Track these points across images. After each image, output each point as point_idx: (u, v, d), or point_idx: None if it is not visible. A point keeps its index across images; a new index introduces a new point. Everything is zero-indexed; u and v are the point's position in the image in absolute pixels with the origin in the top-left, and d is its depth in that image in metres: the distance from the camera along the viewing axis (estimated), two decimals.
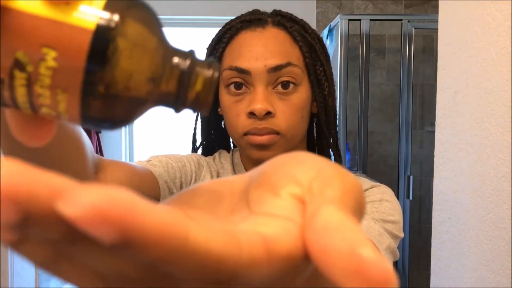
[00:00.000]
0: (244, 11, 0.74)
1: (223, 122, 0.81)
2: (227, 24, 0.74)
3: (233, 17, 0.74)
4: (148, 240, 0.13)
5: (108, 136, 3.11)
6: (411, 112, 2.30)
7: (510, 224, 0.99)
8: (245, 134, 0.68)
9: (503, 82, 1.02)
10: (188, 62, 0.23)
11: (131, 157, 3.22)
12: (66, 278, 0.16)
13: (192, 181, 0.74)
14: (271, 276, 0.16)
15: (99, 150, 2.94)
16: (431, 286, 1.32)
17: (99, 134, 2.97)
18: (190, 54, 0.24)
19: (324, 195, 0.18)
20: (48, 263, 0.15)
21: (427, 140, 2.75)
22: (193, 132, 0.84)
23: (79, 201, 0.13)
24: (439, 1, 1.28)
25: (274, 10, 0.74)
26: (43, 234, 0.14)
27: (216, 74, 0.24)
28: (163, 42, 0.23)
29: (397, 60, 2.46)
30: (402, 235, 0.70)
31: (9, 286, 1.68)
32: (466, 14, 1.15)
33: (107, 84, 0.21)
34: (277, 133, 0.67)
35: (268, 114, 0.67)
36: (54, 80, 0.21)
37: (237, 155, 0.79)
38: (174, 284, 0.16)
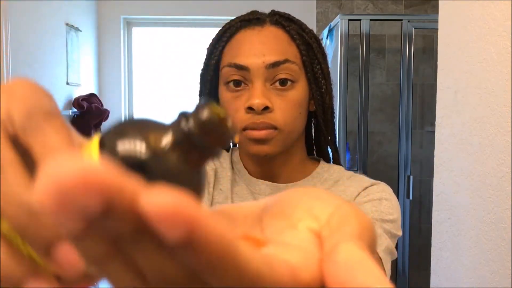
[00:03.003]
0: (244, 11, 0.77)
1: None
2: (226, 24, 0.76)
3: (233, 17, 0.76)
4: (208, 244, 0.14)
5: None
6: (411, 112, 2.30)
7: (510, 224, 0.99)
8: (244, 129, 0.69)
9: (503, 82, 1.02)
10: (188, 126, 0.21)
11: None
12: (110, 277, 0.17)
13: None
14: None
15: None
16: (431, 286, 1.32)
17: None
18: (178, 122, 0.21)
19: (342, 231, 0.19)
20: (100, 259, 0.16)
21: (427, 140, 2.75)
22: None
23: (160, 199, 0.14)
24: (439, 1, 1.28)
25: (272, 10, 0.76)
26: (114, 227, 0.15)
27: (206, 113, 0.20)
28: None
29: (397, 60, 2.46)
30: (400, 233, 0.71)
31: None
32: (466, 14, 1.15)
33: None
34: (275, 128, 0.69)
35: (266, 109, 0.68)
36: None
37: (236, 153, 0.80)
38: None
